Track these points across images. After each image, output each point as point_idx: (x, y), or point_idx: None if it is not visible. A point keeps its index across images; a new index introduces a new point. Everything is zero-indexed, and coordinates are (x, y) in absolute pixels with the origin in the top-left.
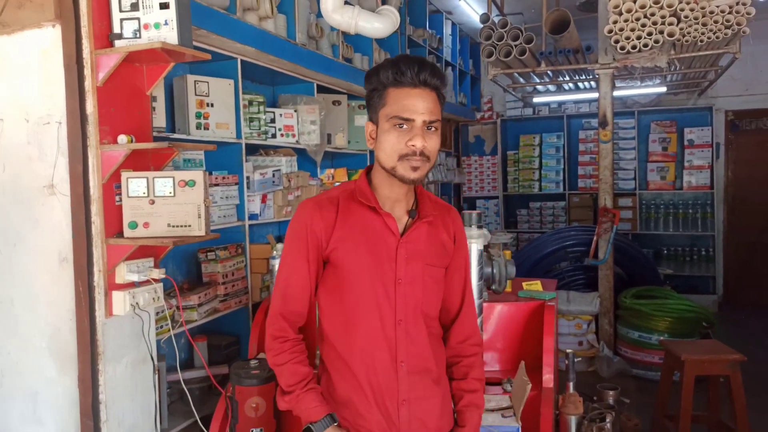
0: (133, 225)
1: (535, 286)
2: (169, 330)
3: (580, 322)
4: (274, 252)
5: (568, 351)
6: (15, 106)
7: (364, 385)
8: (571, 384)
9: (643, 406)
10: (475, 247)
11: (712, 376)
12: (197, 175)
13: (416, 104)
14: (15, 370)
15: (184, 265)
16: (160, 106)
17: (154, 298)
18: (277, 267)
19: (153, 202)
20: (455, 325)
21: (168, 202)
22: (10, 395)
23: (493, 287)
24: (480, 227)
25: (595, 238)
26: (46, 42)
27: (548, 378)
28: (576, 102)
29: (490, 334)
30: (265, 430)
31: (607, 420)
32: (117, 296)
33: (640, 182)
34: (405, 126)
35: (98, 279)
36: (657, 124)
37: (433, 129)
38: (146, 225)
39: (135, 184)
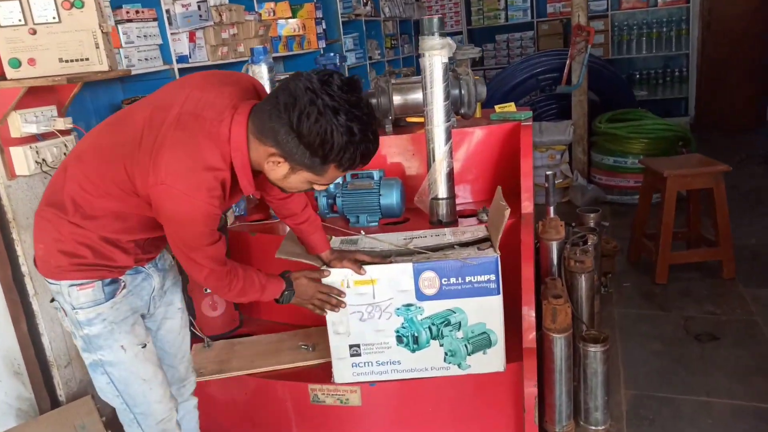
0: (15, 63)
1: (508, 108)
2: None
3: (553, 153)
4: None
5: (548, 173)
6: None
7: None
8: (551, 208)
9: (620, 230)
10: (438, 61)
11: (693, 191)
12: None
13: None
14: None
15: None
16: None
17: (65, 153)
18: None
19: (34, 32)
20: None
21: (54, 31)
22: None
23: (462, 111)
24: (443, 35)
25: (568, 61)
26: None
27: (527, 204)
28: None
29: (461, 164)
30: None
31: (589, 243)
32: (16, 152)
33: (612, 2)
34: None
35: None
36: None
37: None
38: (31, 62)
39: (5, 9)
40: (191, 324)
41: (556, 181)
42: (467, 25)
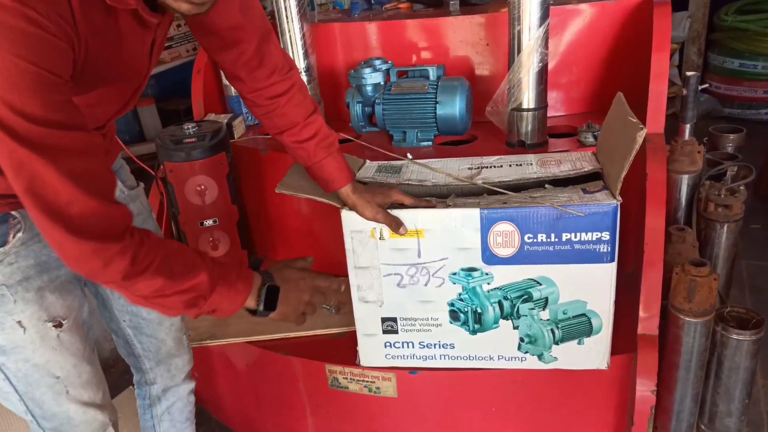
0: None
1: None
2: None
3: None
4: None
5: (690, 74)
6: None
7: None
8: (687, 127)
9: (743, 155)
10: None
11: None
12: None
13: None
14: None
15: None
16: None
17: None
18: None
19: None
20: None
21: None
22: None
23: None
24: None
25: None
26: None
27: (658, 118)
28: None
29: (556, 60)
30: (222, 220)
31: (728, 175)
32: None
33: None
34: None
35: None
36: None
37: None
38: None
39: None
40: None
41: None
42: None
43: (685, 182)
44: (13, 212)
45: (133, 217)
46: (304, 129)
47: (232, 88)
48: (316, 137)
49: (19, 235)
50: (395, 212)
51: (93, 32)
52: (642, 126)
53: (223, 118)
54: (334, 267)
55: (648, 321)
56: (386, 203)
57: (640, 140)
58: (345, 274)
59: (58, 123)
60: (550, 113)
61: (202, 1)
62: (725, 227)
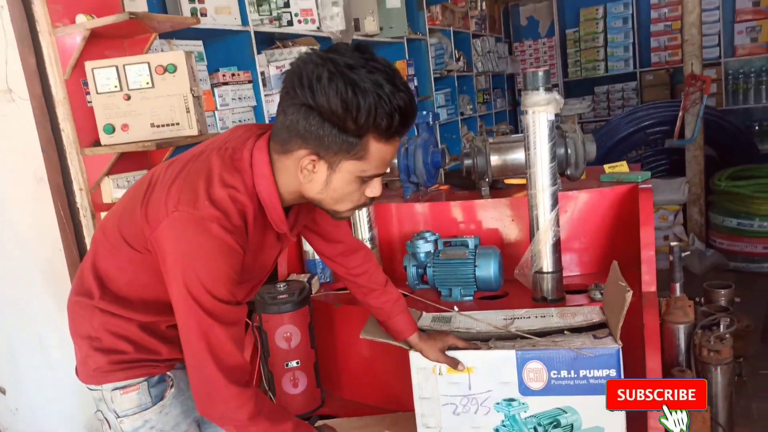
0: (109, 129)
1: (620, 167)
2: None
3: (665, 213)
4: None
5: (674, 244)
6: None
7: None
8: (677, 285)
9: (750, 304)
10: (543, 118)
11: None
12: (177, 57)
13: (394, 155)
14: (16, 309)
15: None
16: None
17: None
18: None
19: (128, 98)
20: None
21: (147, 96)
22: (17, 338)
23: (568, 172)
24: (549, 89)
25: (680, 113)
26: None
27: (649, 279)
28: None
29: (567, 231)
30: (303, 362)
31: (722, 325)
32: None
33: (725, 49)
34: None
35: (80, 199)
36: None
37: None
38: (125, 127)
39: (103, 76)
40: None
41: (667, 245)
42: (564, 77)
43: (681, 331)
44: (168, 373)
45: None
46: (382, 295)
47: (310, 252)
48: (391, 300)
49: (172, 390)
50: (452, 353)
51: (252, 244)
52: (629, 289)
53: (303, 277)
54: (391, 399)
55: None
56: (445, 347)
57: (628, 300)
58: (400, 407)
59: (233, 303)
60: (569, 273)
61: (341, 217)
62: (719, 369)
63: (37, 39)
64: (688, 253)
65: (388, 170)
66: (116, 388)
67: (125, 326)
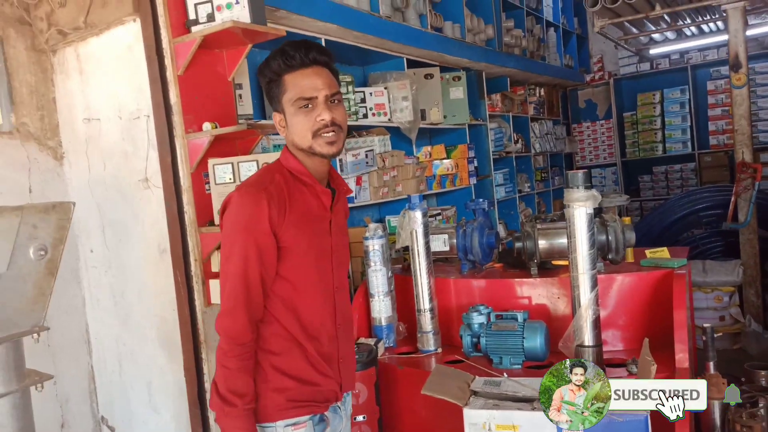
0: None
1: (660, 253)
2: None
3: (720, 294)
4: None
5: (706, 325)
6: (109, 104)
7: (315, 356)
8: (711, 364)
9: None
10: (583, 212)
11: None
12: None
13: (314, 82)
14: (131, 359)
15: None
16: (246, 93)
17: None
18: (372, 248)
19: None
20: None
21: None
22: (130, 383)
23: (610, 257)
24: (588, 188)
25: (733, 198)
26: (129, 37)
27: (682, 357)
28: (701, 49)
29: (610, 310)
30: (369, 417)
31: (760, 405)
32: (215, 285)
33: None
34: (309, 105)
35: (195, 268)
36: None
37: (335, 101)
38: None
39: (221, 171)
40: None
41: (724, 325)
42: (621, 157)
43: (716, 407)
44: (326, 413)
45: None
46: None
47: (377, 319)
48: None
49: (328, 430)
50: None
51: (295, 209)
52: (654, 363)
53: (371, 341)
54: None
55: None
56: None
57: (653, 372)
58: None
59: (246, 261)
60: (611, 347)
61: (333, 140)
62: None
63: (173, 141)
64: (747, 331)
65: (327, 117)
66: (288, 425)
67: (285, 362)
